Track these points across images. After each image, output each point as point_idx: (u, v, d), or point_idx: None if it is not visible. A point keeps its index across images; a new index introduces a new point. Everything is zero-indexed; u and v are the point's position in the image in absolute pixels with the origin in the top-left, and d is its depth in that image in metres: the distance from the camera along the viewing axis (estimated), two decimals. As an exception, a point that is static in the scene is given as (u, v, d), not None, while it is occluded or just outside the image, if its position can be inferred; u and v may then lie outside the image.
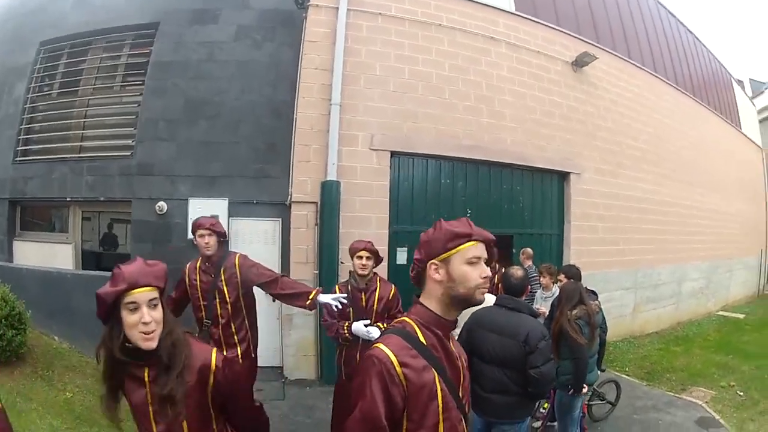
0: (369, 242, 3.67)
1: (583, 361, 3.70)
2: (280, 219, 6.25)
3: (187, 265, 3.64)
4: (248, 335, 3.57)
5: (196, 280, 3.53)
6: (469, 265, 1.38)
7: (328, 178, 5.87)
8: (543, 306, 5.17)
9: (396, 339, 1.38)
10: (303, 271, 5.93)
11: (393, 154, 6.29)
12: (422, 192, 6.60)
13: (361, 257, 3.60)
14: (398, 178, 6.43)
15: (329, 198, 5.85)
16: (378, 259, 3.71)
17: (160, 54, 6.59)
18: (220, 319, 3.47)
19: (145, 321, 1.50)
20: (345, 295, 3.46)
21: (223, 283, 3.45)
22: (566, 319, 3.71)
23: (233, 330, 3.49)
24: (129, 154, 6.44)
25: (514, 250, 6.98)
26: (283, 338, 6.08)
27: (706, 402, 5.66)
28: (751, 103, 15.44)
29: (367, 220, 6.09)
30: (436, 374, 1.37)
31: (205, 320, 3.51)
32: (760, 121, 15.66)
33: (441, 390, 1.37)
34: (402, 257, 6.30)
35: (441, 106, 6.54)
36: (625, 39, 9.29)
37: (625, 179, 8.59)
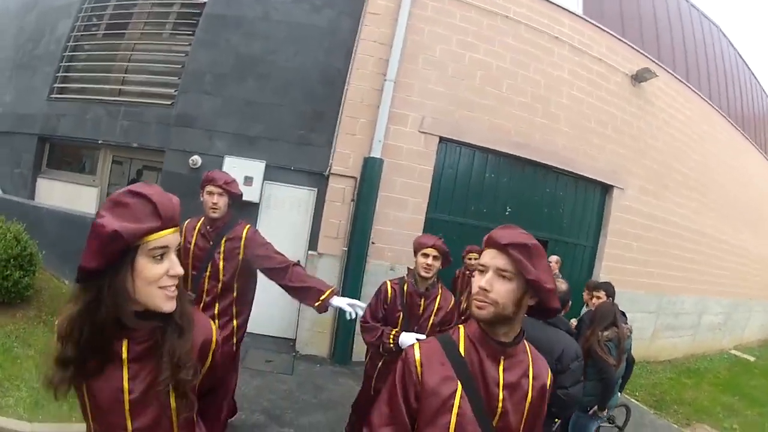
0: (439, 238, 3.05)
1: (611, 381, 3.59)
2: (315, 189, 6.12)
3: (186, 222, 3.12)
4: (232, 323, 3.10)
5: (191, 243, 3.04)
6: (477, 273, 1.32)
7: (371, 155, 5.75)
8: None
9: (433, 343, 1.36)
10: (332, 246, 5.87)
11: (441, 139, 6.14)
12: (465, 182, 6.45)
13: (427, 255, 2.99)
14: (443, 164, 6.29)
15: (370, 175, 5.73)
16: (446, 261, 3.08)
17: (213, 7, 6.43)
18: (204, 296, 2.98)
19: (176, 272, 1.12)
20: (363, 305, 2.92)
21: (221, 254, 2.98)
22: (596, 339, 3.59)
23: (216, 312, 3.01)
24: (170, 103, 6.32)
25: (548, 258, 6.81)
26: (300, 311, 6.00)
27: None
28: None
29: (404, 202, 5.98)
30: (461, 390, 1.27)
31: (188, 293, 3.13)
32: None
33: (460, 407, 1.26)
34: (436, 246, 6.16)
35: (496, 99, 6.37)
36: (685, 61, 9.05)
37: (667, 202, 8.42)
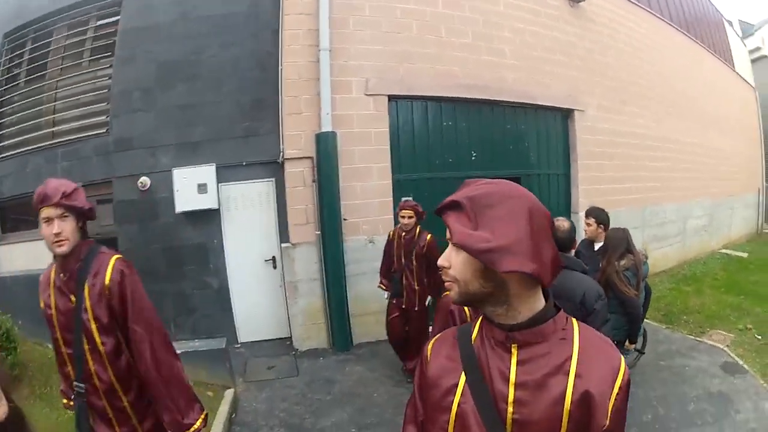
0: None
1: (637, 314, 3.43)
2: (273, 179, 5.82)
3: (41, 276, 2.11)
4: (153, 407, 2.07)
5: (51, 307, 2.01)
6: None
7: (322, 130, 5.48)
8: None
9: (449, 332, 1.16)
10: (304, 233, 5.62)
11: (390, 98, 5.89)
12: (424, 137, 6.21)
13: None
14: (398, 123, 6.04)
15: (325, 151, 5.47)
16: None
17: (128, 21, 6.03)
18: (96, 381, 1.97)
19: None
20: None
21: (89, 311, 1.93)
22: (614, 270, 3.40)
23: (122, 400, 2.01)
24: (104, 131, 5.94)
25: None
26: (288, 307, 5.77)
27: (727, 346, 5.55)
28: (743, 43, 15.25)
29: (368, 171, 5.75)
30: (463, 383, 1.02)
31: (75, 383, 2.00)
32: (752, 61, 15.55)
33: (459, 406, 1.01)
34: (408, 207, 5.96)
35: (437, 45, 6.12)
36: (619, -26, 8.93)
37: (628, 116, 8.39)
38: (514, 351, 0.98)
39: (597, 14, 7.91)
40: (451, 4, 6.25)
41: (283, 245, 5.65)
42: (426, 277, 4.59)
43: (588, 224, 4.11)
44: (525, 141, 6.97)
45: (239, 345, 5.87)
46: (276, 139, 5.66)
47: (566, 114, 7.44)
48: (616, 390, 0.93)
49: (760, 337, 5.82)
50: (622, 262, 3.46)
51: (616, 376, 0.94)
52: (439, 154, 6.28)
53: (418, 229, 4.56)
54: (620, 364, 0.96)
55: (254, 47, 5.92)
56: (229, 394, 4.41)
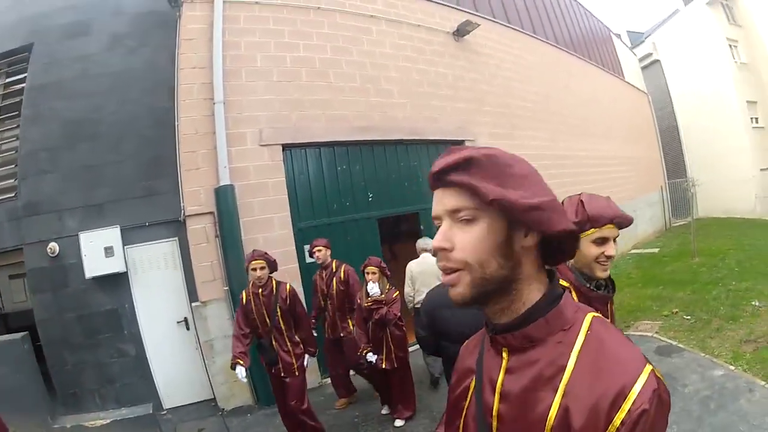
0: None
1: None
2: (176, 238, 5.76)
3: None
4: None
5: None
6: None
7: (221, 184, 5.52)
8: None
9: (484, 330, 0.95)
10: (212, 290, 5.56)
11: (284, 147, 6.04)
12: (320, 183, 6.38)
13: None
14: (293, 172, 6.18)
15: (226, 205, 5.51)
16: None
17: (34, 78, 5.95)
18: None
19: None
20: None
21: None
22: None
23: None
24: (13, 195, 5.76)
25: (422, 227, 6.97)
26: (207, 368, 5.64)
27: (656, 332, 5.66)
28: (632, 53, 16.57)
29: (268, 222, 5.82)
30: (473, 389, 0.90)
31: None
32: (643, 68, 16.88)
33: (468, 411, 0.91)
34: (311, 255, 6.11)
35: (327, 91, 6.39)
36: (503, 6, 9.67)
37: (520, 139, 8.88)
38: (505, 356, 0.83)
39: (482, 45, 8.46)
40: (339, 49, 6.56)
41: (194, 304, 5.56)
42: (296, 332, 4.16)
43: None
44: (419, 177, 7.19)
45: (165, 411, 5.69)
46: (176, 197, 5.63)
47: (457, 145, 7.74)
48: (617, 421, 0.68)
49: (689, 317, 5.95)
50: None
51: (621, 402, 0.69)
52: (337, 198, 6.43)
53: (273, 282, 4.09)
54: (633, 385, 0.69)
55: (152, 103, 5.95)
56: (167, 461, 4.23)
